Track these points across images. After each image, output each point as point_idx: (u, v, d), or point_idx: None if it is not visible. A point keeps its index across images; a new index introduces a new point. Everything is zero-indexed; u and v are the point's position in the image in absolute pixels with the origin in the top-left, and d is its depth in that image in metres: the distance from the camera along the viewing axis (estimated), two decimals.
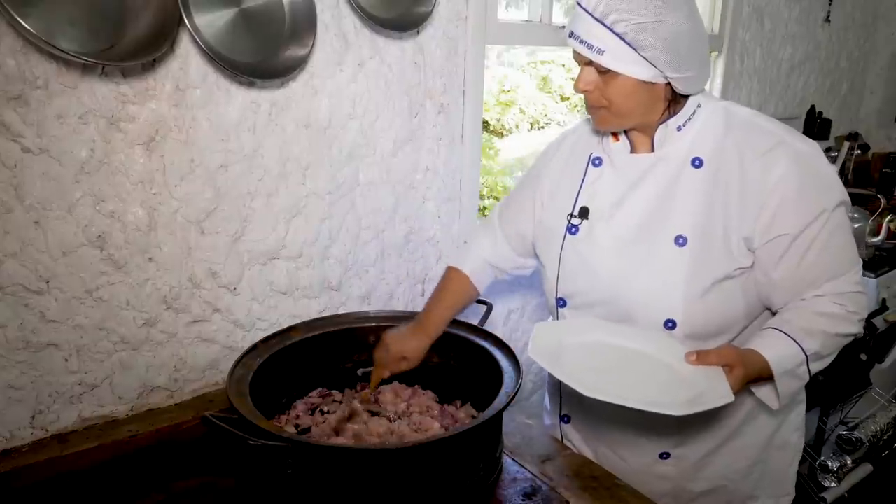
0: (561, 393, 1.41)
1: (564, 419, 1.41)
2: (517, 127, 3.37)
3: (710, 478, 1.28)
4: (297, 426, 1.24)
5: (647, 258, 1.17)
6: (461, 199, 1.74)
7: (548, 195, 1.34)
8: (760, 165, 1.12)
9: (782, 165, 1.11)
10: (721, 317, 1.17)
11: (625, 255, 1.20)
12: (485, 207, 2.47)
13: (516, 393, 1.10)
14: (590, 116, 1.23)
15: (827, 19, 3.04)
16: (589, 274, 1.23)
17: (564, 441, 1.41)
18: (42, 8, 0.97)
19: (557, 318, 1.32)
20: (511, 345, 1.27)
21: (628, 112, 1.14)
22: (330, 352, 1.37)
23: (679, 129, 1.17)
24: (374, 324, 1.41)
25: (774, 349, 1.10)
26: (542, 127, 3.44)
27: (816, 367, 1.14)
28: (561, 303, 1.29)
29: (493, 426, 1.14)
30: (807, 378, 1.14)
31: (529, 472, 1.19)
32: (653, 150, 1.20)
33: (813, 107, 3.15)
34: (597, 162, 1.27)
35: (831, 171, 1.16)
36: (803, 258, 1.12)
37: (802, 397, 1.36)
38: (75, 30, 1.01)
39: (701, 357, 1.08)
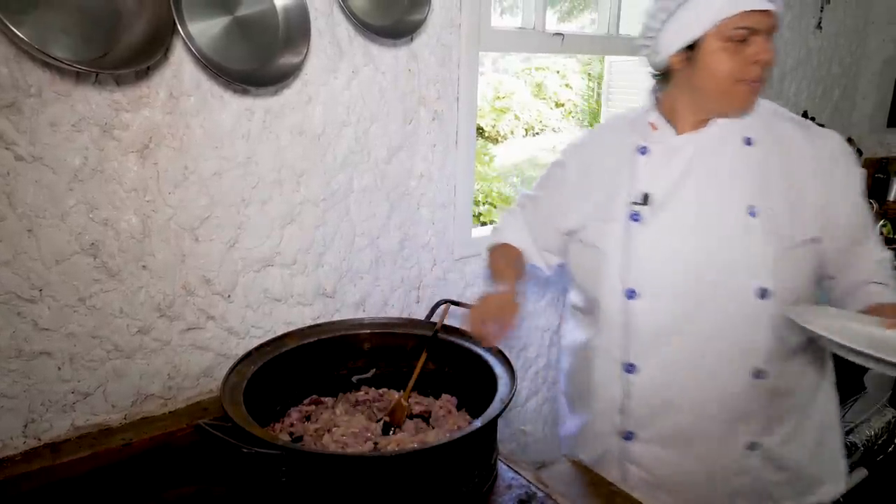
0: (622, 408, 1.31)
1: (627, 436, 1.32)
2: (512, 133, 3.38)
3: (787, 465, 1.29)
4: (291, 434, 1.24)
5: (725, 232, 1.20)
6: (455, 206, 1.75)
7: (582, 193, 1.35)
8: (819, 144, 1.22)
9: (833, 142, 1.23)
10: (804, 283, 1.23)
11: (700, 233, 1.21)
12: (480, 214, 2.47)
13: (511, 399, 1.10)
14: (724, 99, 1.22)
15: (818, 26, 3.06)
16: (665, 259, 1.23)
17: (626, 463, 1.32)
18: (35, 16, 0.97)
19: (622, 315, 1.27)
20: (505, 351, 1.27)
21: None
22: (325, 359, 1.37)
23: None
24: (368, 331, 1.41)
25: None
26: (537, 133, 3.45)
27: None
28: (631, 294, 1.26)
29: (488, 433, 1.14)
30: None
31: (524, 478, 1.19)
32: (702, 127, 1.24)
33: (805, 112, 3.17)
34: (643, 150, 1.29)
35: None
36: (862, 217, 1.26)
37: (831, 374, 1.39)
38: (69, 38, 1.01)
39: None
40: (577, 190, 1.37)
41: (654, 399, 1.28)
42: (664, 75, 1.30)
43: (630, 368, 1.29)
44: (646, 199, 1.25)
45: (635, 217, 1.25)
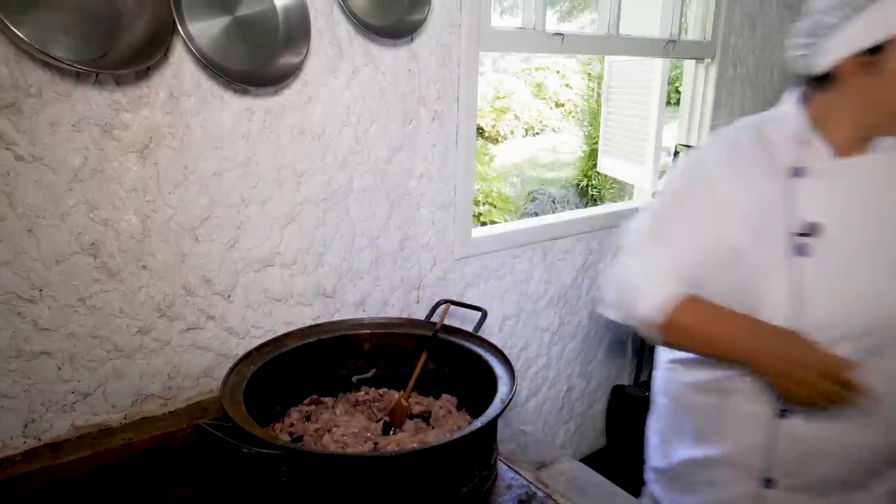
0: (765, 452, 1.19)
1: (767, 483, 1.20)
2: (512, 133, 3.38)
3: None
4: (291, 434, 1.24)
5: None
6: (455, 206, 1.75)
7: (724, 220, 1.15)
8: None
9: None
10: None
11: (876, 273, 1.09)
12: (480, 214, 2.47)
13: (511, 399, 1.10)
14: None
15: None
16: (843, 302, 1.09)
17: None
18: (35, 16, 0.97)
19: None
20: (506, 351, 1.27)
21: None
22: (325, 359, 1.37)
23: None
24: (368, 331, 1.41)
25: None
26: (537, 133, 3.45)
27: None
28: None
29: (488, 433, 1.14)
30: None
31: (525, 478, 1.19)
32: (863, 152, 1.13)
33: None
34: (800, 172, 1.13)
35: None
36: None
37: None
38: (69, 38, 1.01)
39: None
40: (717, 217, 1.17)
41: (808, 446, 1.17)
42: (821, 81, 1.14)
43: (784, 413, 1.15)
44: (814, 230, 1.09)
45: (803, 250, 1.10)
